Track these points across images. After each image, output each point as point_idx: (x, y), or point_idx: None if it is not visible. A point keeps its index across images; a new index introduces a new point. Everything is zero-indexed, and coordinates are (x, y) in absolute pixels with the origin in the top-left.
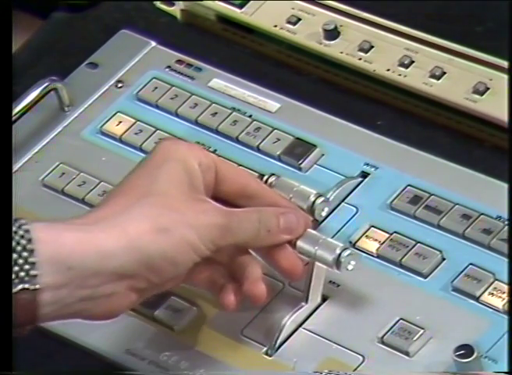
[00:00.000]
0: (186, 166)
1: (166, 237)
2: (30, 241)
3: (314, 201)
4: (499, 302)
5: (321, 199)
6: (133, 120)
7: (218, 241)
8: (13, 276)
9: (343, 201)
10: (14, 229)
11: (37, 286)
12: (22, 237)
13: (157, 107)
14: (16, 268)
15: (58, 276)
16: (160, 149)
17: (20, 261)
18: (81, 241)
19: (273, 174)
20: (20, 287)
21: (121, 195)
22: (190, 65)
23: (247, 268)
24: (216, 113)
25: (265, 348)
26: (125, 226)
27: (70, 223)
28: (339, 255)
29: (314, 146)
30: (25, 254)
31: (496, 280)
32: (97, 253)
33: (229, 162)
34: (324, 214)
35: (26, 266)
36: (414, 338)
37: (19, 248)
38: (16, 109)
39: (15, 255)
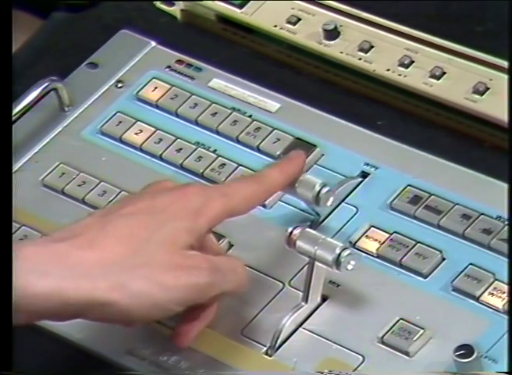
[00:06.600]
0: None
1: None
2: None
3: (319, 191)
4: (499, 302)
5: (326, 189)
6: (133, 120)
7: (196, 299)
8: None
9: (343, 201)
10: None
11: None
12: None
13: (157, 107)
14: None
15: None
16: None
17: None
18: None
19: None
20: None
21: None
22: (190, 65)
23: None
24: (216, 113)
25: (265, 348)
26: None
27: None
28: (339, 254)
29: (314, 146)
30: None
31: (496, 280)
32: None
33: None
34: (329, 204)
35: None
36: (414, 338)
37: None
38: (16, 109)
39: None
